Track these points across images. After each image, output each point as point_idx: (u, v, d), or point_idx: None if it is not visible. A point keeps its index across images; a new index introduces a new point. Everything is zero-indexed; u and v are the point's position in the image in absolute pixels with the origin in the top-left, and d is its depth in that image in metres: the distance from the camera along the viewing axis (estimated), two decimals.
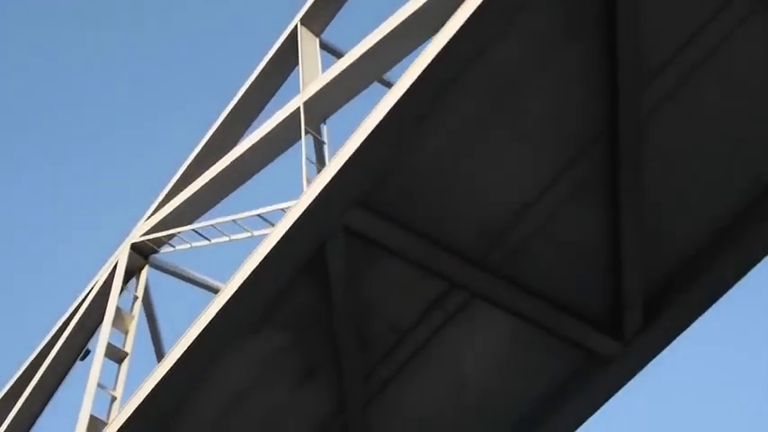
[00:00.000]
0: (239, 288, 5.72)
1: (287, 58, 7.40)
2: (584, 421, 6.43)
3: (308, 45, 7.21)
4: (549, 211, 5.86)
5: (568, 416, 6.41)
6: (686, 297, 6.06)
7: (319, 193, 5.48)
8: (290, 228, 5.58)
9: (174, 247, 8.24)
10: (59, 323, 8.65)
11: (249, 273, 5.69)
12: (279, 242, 5.61)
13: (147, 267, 8.34)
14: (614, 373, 6.24)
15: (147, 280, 8.33)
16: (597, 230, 5.96)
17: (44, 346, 8.62)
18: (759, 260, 5.92)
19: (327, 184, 5.46)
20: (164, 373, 5.96)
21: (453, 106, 5.43)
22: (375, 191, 5.64)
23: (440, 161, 5.64)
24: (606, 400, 6.35)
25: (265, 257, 5.65)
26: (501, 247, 5.95)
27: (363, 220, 5.65)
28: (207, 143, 8.21)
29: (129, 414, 5.97)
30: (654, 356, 6.23)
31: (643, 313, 6.10)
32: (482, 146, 5.63)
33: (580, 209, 5.88)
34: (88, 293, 8.42)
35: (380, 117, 5.29)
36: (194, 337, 5.88)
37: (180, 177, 8.27)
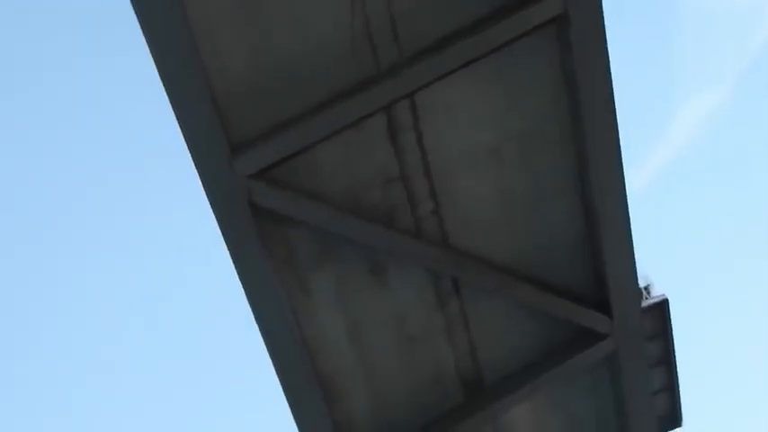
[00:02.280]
0: (244, 283, 5.71)
1: None
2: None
3: None
4: None
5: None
6: None
7: (193, 157, 5.30)
8: (217, 218, 5.45)
9: None
10: None
11: (235, 268, 5.65)
12: (223, 234, 5.50)
13: None
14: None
15: None
16: None
17: None
18: None
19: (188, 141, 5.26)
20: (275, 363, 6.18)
21: None
22: (236, 128, 5.33)
23: (242, 28, 5.20)
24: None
25: (230, 247, 5.59)
26: (380, 43, 5.42)
27: (256, 156, 5.41)
28: None
29: None
30: None
31: None
32: None
33: None
34: None
35: None
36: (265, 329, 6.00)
37: None
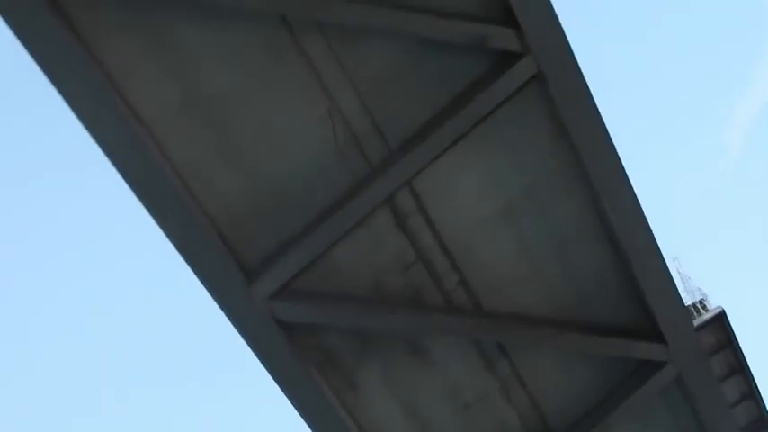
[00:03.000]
0: (291, 398, 5.88)
1: None
2: None
3: None
4: None
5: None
6: None
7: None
8: (247, 343, 5.63)
9: None
10: None
11: (279, 386, 5.82)
12: (258, 357, 5.68)
13: None
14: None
15: None
16: None
17: None
18: None
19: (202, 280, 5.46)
20: None
21: None
22: (246, 255, 5.54)
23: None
24: None
25: (268, 368, 5.76)
26: (366, 142, 5.58)
27: (272, 277, 5.64)
28: None
29: None
30: None
31: None
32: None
33: None
34: None
35: None
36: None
37: None
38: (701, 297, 7.38)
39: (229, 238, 5.49)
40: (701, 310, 7.53)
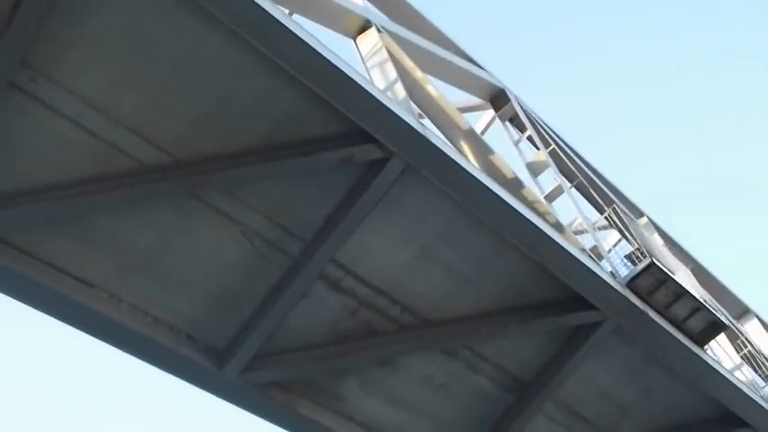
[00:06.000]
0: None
1: None
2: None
3: None
4: None
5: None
6: None
7: None
8: (243, 409, 7.09)
9: None
10: None
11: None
12: (260, 417, 7.15)
13: None
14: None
15: None
16: None
17: None
18: None
19: (183, 378, 6.88)
20: None
21: None
22: (213, 342, 6.87)
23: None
24: None
25: (270, 421, 7.23)
26: (282, 244, 6.65)
27: (240, 355, 6.93)
28: None
29: None
30: None
31: None
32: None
33: None
34: None
35: None
36: None
37: None
38: (637, 246, 8.10)
39: (196, 336, 6.84)
40: (641, 257, 8.29)
